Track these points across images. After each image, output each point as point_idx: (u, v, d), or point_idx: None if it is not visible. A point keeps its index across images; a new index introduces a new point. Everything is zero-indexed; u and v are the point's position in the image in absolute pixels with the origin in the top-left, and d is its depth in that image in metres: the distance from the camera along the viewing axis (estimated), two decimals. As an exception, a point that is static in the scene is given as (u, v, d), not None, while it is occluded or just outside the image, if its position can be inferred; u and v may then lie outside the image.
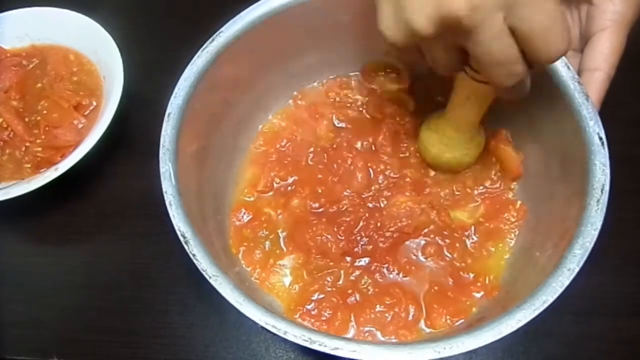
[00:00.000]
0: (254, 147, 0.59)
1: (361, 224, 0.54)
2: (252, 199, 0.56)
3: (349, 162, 0.56)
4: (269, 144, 0.59)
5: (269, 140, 0.59)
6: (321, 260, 0.52)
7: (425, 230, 0.54)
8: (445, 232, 0.54)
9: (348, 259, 0.53)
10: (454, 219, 0.54)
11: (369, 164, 0.56)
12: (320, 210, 0.55)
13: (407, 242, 0.53)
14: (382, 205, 0.55)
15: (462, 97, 0.49)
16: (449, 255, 0.53)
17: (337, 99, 0.61)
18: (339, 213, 0.54)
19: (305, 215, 0.54)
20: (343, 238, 0.53)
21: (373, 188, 0.55)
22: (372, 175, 0.56)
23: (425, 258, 0.53)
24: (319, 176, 0.57)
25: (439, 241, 0.53)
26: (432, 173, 0.57)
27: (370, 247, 0.53)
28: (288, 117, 0.61)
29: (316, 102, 0.61)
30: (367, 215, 0.54)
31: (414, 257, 0.53)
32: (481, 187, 0.56)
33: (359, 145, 0.58)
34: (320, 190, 0.56)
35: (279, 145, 0.59)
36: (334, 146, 0.58)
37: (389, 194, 0.55)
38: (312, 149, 0.58)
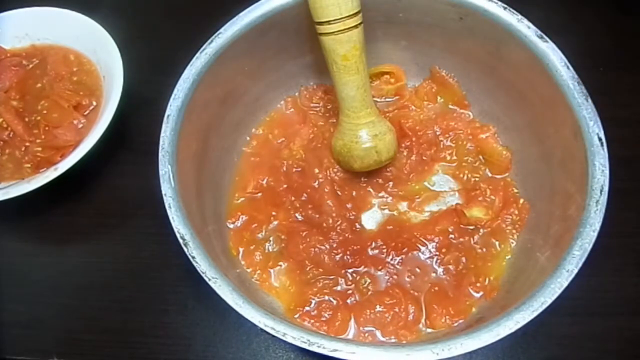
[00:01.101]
0: (247, 149, 0.59)
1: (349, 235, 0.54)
2: (243, 201, 0.57)
3: (316, 185, 0.56)
4: (260, 147, 0.59)
5: (261, 142, 0.59)
6: (316, 270, 0.52)
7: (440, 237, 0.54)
8: (457, 235, 0.54)
9: (344, 271, 0.53)
10: (470, 217, 0.54)
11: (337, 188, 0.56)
12: (308, 218, 0.55)
13: (416, 249, 0.54)
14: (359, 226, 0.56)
15: (329, 65, 0.49)
16: (462, 258, 0.53)
17: (329, 106, 0.61)
18: (327, 225, 0.55)
19: (295, 225, 0.55)
20: (340, 252, 0.53)
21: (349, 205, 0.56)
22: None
23: (438, 264, 0.53)
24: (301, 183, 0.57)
25: (453, 241, 0.54)
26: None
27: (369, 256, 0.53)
28: (280, 120, 0.61)
29: (309, 105, 0.61)
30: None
31: (422, 261, 0.53)
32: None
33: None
34: (304, 197, 0.56)
35: (268, 148, 0.59)
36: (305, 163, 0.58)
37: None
38: (287, 162, 0.58)
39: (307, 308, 0.51)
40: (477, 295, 0.51)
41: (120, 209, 0.62)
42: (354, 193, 0.56)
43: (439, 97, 0.61)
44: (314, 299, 0.51)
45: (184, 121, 0.47)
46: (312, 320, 0.50)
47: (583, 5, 0.72)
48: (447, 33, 0.55)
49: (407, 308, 0.50)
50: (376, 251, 0.53)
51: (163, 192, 0.44)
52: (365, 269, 0.52)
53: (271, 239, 0.55)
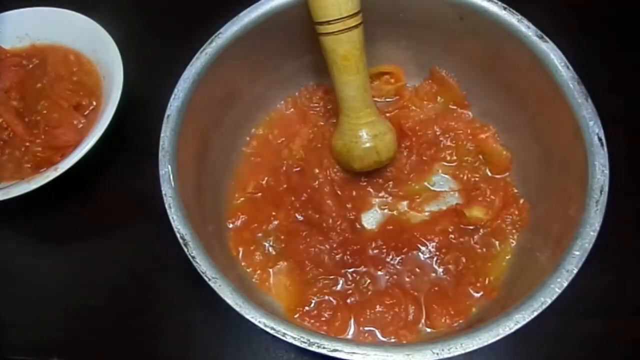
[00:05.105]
0: (247, 150, 0.59)
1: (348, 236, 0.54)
2: (243, 201, 0.57)
3: (317, 185, 0.56)
4: (260, 147, 0.59)
5: (261, 142, 0.59)
6: (316, 270, 0.52)
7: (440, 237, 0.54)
8: (457, 235, 0.54)
9: (344, 271, 0.53)
10: (470, 217, 0.54)
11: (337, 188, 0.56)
12: (308, 218, 0.55)
13: (416, 249, 0.54)
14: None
15: (329, 65, 0.49)
16: (462, 259, 0.53)
17: (329, 106, 0.61)
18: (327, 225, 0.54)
19: (295, 225, 0.55)
20: (340, 252, 0.53)
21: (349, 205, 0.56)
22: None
23: (438, 264, 0.53)
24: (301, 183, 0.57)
25: (453, 241, 0.54)
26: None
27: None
28: (280, 120, 0.61)
29: (309, 105, 0.61)
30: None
31: (422, 261, 0.53)
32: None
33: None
34: (304, 197, 0.56)
35: (267, 148, 0.59)
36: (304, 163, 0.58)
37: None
38: (287, 162, 0.58)
39: (307, 308, 0.51)
40: (477, 295, 0.51)
41: (120, 209, 0.62)
42: (354, 193, 0.56)
43: (439, 97, 0.60)
44: (313, 299, 0.51)
45: (184, 121, 0.47)
46: (312, 320, 0.50)
47: (583, 4, 0.72)
48: (447, 33, 0.55)
49: (407, 308, 0.50)
50: (376, 251, 0.53)
51: (163, 192, 0.44)
52: (365, 269, 0.52)
53: (271, 239, 0.55)
